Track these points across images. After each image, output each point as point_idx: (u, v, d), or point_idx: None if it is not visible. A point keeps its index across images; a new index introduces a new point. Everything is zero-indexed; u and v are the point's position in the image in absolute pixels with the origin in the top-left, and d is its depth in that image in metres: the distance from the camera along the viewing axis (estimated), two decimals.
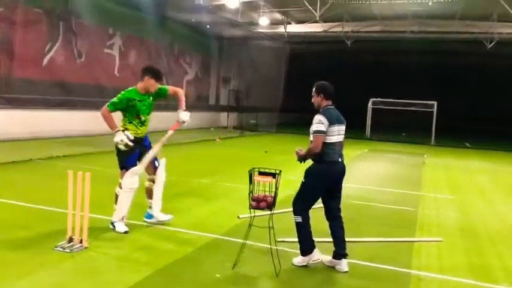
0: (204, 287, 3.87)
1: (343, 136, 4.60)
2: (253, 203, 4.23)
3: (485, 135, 28.34)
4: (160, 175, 5.51)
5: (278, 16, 23.26)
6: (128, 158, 5.29)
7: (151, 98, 5.48)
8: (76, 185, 4.56)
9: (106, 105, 5.32)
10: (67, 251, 4.46)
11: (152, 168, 5.49)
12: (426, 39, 23.24)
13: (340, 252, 4.46)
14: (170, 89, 5.69)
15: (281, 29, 24.00)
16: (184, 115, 5.47)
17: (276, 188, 4.24)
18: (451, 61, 27.86)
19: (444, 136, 24.19)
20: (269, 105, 27.12)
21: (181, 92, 5.67)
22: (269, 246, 4.33)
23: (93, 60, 16.88)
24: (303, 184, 4.51)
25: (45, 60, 14.89)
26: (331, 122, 4.41)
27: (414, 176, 11.41)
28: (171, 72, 22.10)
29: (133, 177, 5.24)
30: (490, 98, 32.18)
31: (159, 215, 5.52)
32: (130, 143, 5.15)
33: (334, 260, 4.49)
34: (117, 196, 5.31)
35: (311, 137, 4.49)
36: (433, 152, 18.63)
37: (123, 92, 5.38)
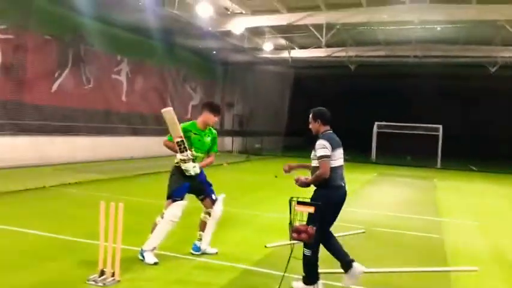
0: None
1: (343, 159, 4.60)
2: (294, 235, 4.10)
3: (489, 157, 28.37)
4: (217, 210, 5.48)
5: (282, 41, 23.49)
6: (176, 189, 5.24)
7: (209, 138, 5.47)
8: (108, 215, 4.43)
9: (166, 137, 5.36)
10: (100, 284, 4.30)
11: (210, 201, 5.46)
12: (430, 64, 23.45)
13: (349, 260, 4.39)
14: (212, 153, 5.63)
15: (285, 54, 24.22)
16: (193, 167, 5.29)
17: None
18: (455, 85, 28.02)
19: (449, 159, 24.11)
20: (273, 129, 27.15)
21: (211, 160, 5.62)
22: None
23: (101, 86, 16.91)
24: (311, 214, 4.32)
25: (55, 86, 14.88)
26: (334, 146, 4.45)
27: (429, 201, 11.29)
28: (177, 98, 22.15)
29: (178, 209, 5.15)
30: (493, 120, 32.29)
31: (207, 248, 5.50)
32: (185, 157, 5.14)
33: (348, 274, 4.41)
34: (155, 225, 5.20)
35: (314, 163, 4.51)
36: (440, 176, 18.54)
37: (181, 124, 5.38)
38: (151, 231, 5.23)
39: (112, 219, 4.38)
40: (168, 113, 5.23)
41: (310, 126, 4.70)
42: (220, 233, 6.81)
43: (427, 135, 24.35)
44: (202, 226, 5.51)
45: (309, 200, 4.23)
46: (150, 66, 19.94)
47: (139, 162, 16.75)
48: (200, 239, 5.52)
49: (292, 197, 4.24)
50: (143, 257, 5.13)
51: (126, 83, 18.53)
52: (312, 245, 4.27)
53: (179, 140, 5.15)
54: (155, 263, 5.01)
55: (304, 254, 4.34)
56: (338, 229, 7.02)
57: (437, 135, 23.84)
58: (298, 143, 29.64)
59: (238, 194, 10.91)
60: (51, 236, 5.98)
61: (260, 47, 23.22)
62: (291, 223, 4.20)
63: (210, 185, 5.59)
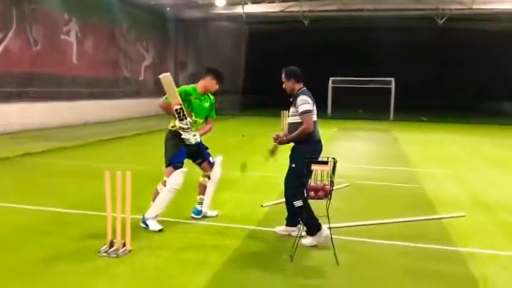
0: (276, 283, 3.74)
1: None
2: (312, 193, 4.12)
3: (440, 108, 29.75)
4: (217, 172, 5.40)
5: None
6: (175, 154, 5.09)
7: (207, 103, 5.28)
8: (115, 185, 4.24)
9: (163, 98, 5.12)
10: (113, 255, 4.17)
11: (208, 165, 5.36)
12: (382, 17, 23.73)
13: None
14: (210, 120, 5.43)
15: (239, 10, 23.66)
16: (193, 135, 5.11)
17: (332, 176, 4.17)
18: (405, 37, 28.64)
19: (400, 111, 24.95)
20: (230, 88, 26.77)
21: (210, 127, 5.45)
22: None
23: (50, 48, 15.90)
24: (293, 168, 4.50)
25: None
26: (312, 102, 4.55)
27: (397, 153, 11.71)
28: (129, 58, 21.29)
29: (180, 177, 5.03)
30: (441, 73, 33.57)
31: (207, 211, 5.46)
32: (184, 125, 4.96)
33: (288, 228, 4.78)
34: (157, 193, 5.06)
35: (292, 119, 4.58)
36: (396, 128, 19.21)
37: (181, 87, 5.18)
38: (153, 199, 5.10)
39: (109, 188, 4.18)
40: (167, 78, 5.00)
41: (284, 85, 4.73)
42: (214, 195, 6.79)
43: (380, 89, 25.01)
44: (202, 189, 5.44)
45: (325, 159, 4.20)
46: (100, 26, 18.92)
47: (95, 128, 16.15)
48: (201, 203, 5.45)
49: (306, 157, 4.25)
50: (146, 225, 5.01)
51: (76, 44, 17.51)
52: (297, 196, 4.38)
53: (178, 107, 4.95)
54: (160, 230, 4.91)
55: (297, 206, 4.43)
56: None
57: (390, 88, 24.53)
58: (255, 101, 29.66)
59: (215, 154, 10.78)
60: (38, 209, 5.70)
61: (213, 3, 22.53)
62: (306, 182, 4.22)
63: (206, 148, 5.47)
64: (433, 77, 33.87)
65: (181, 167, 5.11)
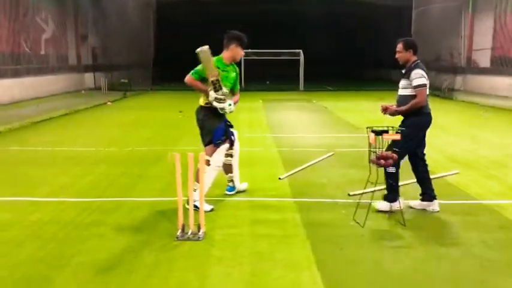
0: (368, 249, 3.94)
1: None
2: (382, 161, 4.36)
3: (337, 77, 31.68)
4: (237, 147, 5.31)
5: None
6: (215, 132, 4.93)
7: (234, 74, 5.07)
8: (187, 167, 4.08)
9: (190, 73, 4.91)
10: (195, 239, 4.04)
11: (230, 142, 5.20)
12: None
13: (432, 194, 4.89)
14: (237, 91, 5.26)
15: None
16: (229, 105, 4.99)
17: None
18: (305, 9, 29.66)
19: (306, 81, 26.08)
20: (139, 60, 25.53)
21: (238, 98, 5.30)
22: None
23: None
24: (395, 140, 4.59)
25: None
26: (427, 75, 4.72)
27: (339, 120, 12.44)
28: (27, 31, 19.21)
29: (223, 155, 4.93)
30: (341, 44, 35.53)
31: (239, 185, 5.44)
32: (220, 96, 4.82)
33: (424, 203, 4.93)
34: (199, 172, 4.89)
35: (404, 91, 4.73)
36: (314, 97, 20.19)
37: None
38: (196, 179, 4.94)
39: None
40: (204, 52, 4.80)
41: (398, 55, 4.77)
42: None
43: (288, 60, 25.89)
44: (228, 168, 5.35)
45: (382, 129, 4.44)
46: None
47: (6, 110, 14.48)
48: (231, 180, 5.42)
49: (367, 127, 4.47)
50: (197, 206, 4.87)
51: None
52: (395, 163, 4.59)
53: (214, 78, 4.81)
54: (212, 210, 4.82)
55: (388, 172, 4.62)
56: (308, 155, 7.52)
57: (299, 59, 25.50)
58: (168, 73, 28.62)
59: (173, 132, 10.49)
60: (54, 201, 5.19)
61: None
62: (374, 152, 4.45)
63: (231, 126, 5.38)
64: (335, 47, 35.81)
65: (222, 144, 5.02)
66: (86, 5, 24.28)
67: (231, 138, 5.20)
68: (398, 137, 4.34)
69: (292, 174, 6.38)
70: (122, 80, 23.89)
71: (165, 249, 3.86)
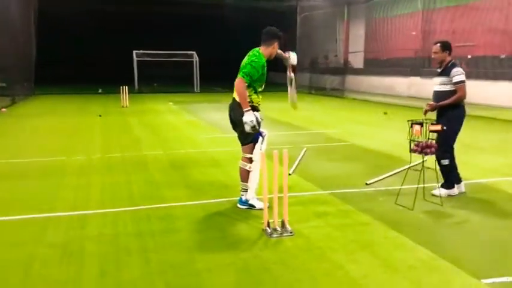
0: (424, 229, 4.50)
1: None
2: (427, 150, 4.93)
3: (225, 79, 32.18)
4: (264, 146, 5.17)
5: None
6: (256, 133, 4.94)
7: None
8: (272, 166, 4.20)
9: (241, 77, 4.72)
10: (287, 234, 4.17)
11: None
12: None
13: (459, 177, 5.52)
14: None
15: None
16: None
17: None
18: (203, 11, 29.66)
19: (201, 82, 26.24)
20: (19, 62, 22.89)
21: None
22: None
23: None
24: (446, 131, 5.09)
25: None
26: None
27: (270, 119, 12.95)
28: None
29: (259, 149, 4.97)
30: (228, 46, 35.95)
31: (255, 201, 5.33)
32: (257, 126, 4.76)
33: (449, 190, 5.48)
34: (246, 172, 4.93)
35: (442, 87, 5.27)
36: (216, 98, 20.50)
37: (253, 58, 4.79)
38: (241, 179, 4.98)
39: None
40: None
41: (436, 55, 5.31)
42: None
43: (182, 62, 25.72)
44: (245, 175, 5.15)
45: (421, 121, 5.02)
46: None
47: None
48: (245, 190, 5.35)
49: (408, 120, 5.04)
50: (251, 205, 4.93)
51: None
52: (446, 155, 5.24)
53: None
54: (268, 207, 4.91)
55: (443, 165, 5.29)
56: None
57: (193, 61, 25.50)
58: (56, 73, 26.16)
59: (109, 137, 9.96)
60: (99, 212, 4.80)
61: None
62: (413, 141, 5.02)
63: None
64: (224, 50, 36.24)
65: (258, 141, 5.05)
66: None
67: (262, 134, 5.21)
68: (439, 127, 4.96)
69: (381, 179, 6.22)
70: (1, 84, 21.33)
71: (268, 247, 3.93)
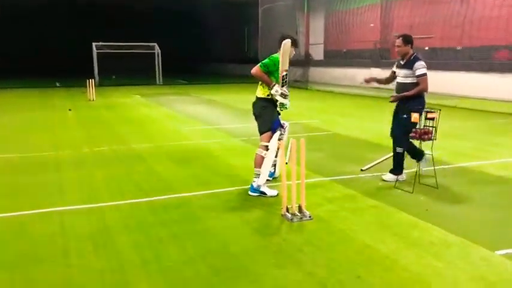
0: (430, 209, 4.84)
1: None
2: (426, 136, 5.27)
3: (184, 71, 32.06)
4: (285, 137, 5.52)
5: None
6: (274, 121, 5.23)
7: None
8: (299, 153, 4.42)
9: (258, 65, 5.12)
10: (307, 218, 4.39)
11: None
12: None
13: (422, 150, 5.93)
14: None
15: None
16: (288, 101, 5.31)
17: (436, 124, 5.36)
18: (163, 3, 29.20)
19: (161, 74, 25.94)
20: None
21: None
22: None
23: None
24: (405, 119, 5.43)
25: None
26: None
27: (241, 111, 13.09)
28: None
29: (276, 140, 5.19)
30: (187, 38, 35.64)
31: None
32: (286, 92, 5.12)
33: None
34: (261, 158, 5.11)
35: (405, 80, 5.55)
36: (182, 90, 20.43)
37: (271, 56, 5.19)
38: (256, 165, 5.16)
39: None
40: (286, 44, 5.04)
41: (399, 49, 5.57)
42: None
43: (142, 53, 25.29)
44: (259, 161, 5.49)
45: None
46: None
47: None
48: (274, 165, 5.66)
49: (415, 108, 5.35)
50: (261, 192, 5.11)
51: None
52: (403, 143, 5.57)
53: (285, 73, 5.13)
54: (277, 194, 5.12)
55: (397, 152, 5.63)
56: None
57: (154, 52, 25.14)
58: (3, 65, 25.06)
59: (120, 129, 9.84)
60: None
61: None
62: (418, 129, 5.33)
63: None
64: (183, 43, 35.89)
65: (277, 131, 5.28)
66: None
67: (283, 126, 5.50)
68: (435, 115, 5.30)
69: (374, 165, 6.36)
70: None
71: (293, 231, 4.14)
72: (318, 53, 27.05)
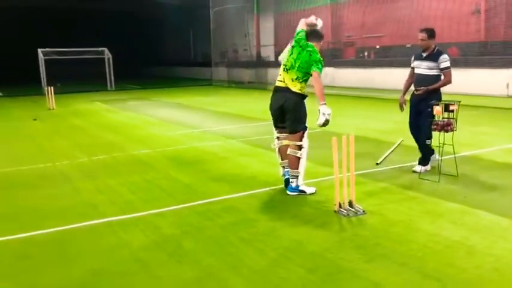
0: (468, 196, 5.07)
1: None
2: (448, 127, 5.51)
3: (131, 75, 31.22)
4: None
5: None
6: (306, 121, 5.21)
7: None
8: (341, 150, 4.47)
9: (317, 71, 4.98)
10: (361, 213, 4.45)
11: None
12: None
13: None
14: None
15: None
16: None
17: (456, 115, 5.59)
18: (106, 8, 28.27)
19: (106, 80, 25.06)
20: None
21: None
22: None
23: None
24: (429, 112, 5.62)
25: None
26: None
27: (219, 113, 13.03)
28: None
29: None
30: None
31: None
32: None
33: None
34: (296, 159, 5.08)
35: (429, 72, 5.76)
36: (138, 95, 19.91)
37: (315, 51, 5.08)
38: (291, 167, 5.13)
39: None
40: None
41: (423, 43, 5.73)
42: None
43: (90, 59, 24.35)
44: (284, 154, 5.44)
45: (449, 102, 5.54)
46: None
47: None
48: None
49: (432, 101, 5.55)
50: (301, 191, 5.11)
51: None
52: (431, 135, 5.81)
53: None
54: (315, 192, 5.15)
55: (427, 144, 5.85)
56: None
57: (104, 58, 24.26)
58: None
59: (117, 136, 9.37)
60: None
61: None
62: (435, 121, 5.55)
63: None
64: (130, 47, 34.81)
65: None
66: None
67: None
68: (456, 107, 5.54)
69: (386, 157, 6.66)
70: None
71: (356, 226, 4.20)
72: (269, 54, 27.35)
